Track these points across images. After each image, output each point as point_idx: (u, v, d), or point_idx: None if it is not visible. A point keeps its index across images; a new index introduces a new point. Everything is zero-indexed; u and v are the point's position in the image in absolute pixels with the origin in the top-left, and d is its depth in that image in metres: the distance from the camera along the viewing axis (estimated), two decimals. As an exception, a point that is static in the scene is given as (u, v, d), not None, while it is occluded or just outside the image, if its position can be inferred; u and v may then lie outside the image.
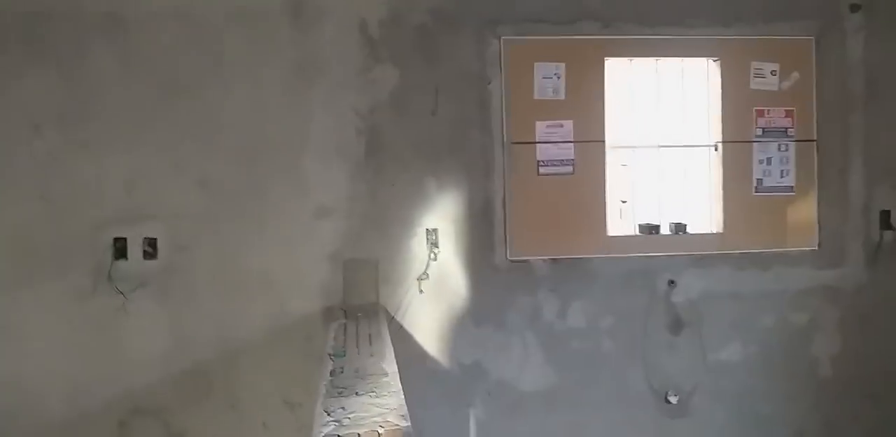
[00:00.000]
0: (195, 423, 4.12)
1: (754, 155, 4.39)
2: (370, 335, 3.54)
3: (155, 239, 4.05)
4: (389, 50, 4.16)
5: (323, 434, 2.15)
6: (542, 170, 4.26)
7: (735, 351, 4.45)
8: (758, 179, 4.39)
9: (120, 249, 4.02)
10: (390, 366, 2.94)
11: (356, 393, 2.56)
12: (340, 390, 2.62)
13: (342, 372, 2.87)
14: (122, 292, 4.02)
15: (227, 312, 4.09)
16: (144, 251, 4.05)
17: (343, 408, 2.39)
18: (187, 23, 4.02)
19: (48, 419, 4.00)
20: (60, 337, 4.00)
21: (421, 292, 4.21)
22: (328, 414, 2.34)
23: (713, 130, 4.42)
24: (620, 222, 4.45)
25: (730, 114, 4.38)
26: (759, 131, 4.39)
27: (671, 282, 4.38)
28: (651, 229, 4.39)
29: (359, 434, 2.14)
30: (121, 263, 4.02)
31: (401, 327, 4.19)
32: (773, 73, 4.40)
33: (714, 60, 4.40)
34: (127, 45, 3.98)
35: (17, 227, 3.95)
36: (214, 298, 4.09)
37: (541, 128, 4.25)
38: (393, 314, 4.18)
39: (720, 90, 4.38)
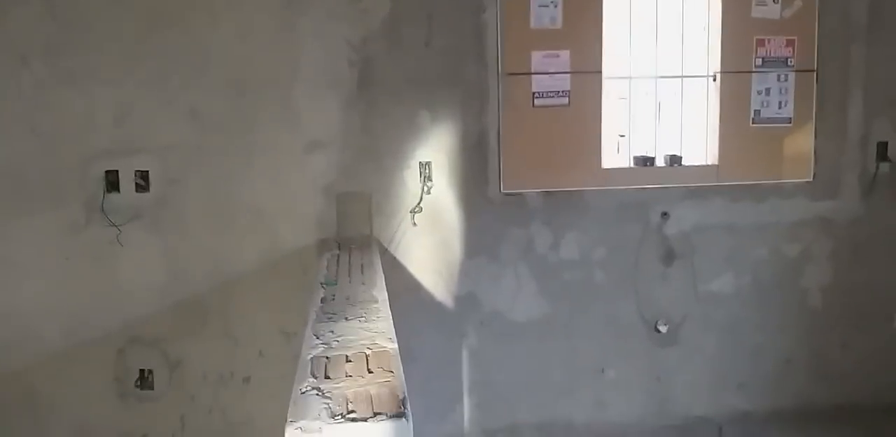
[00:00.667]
0: (192, 351, 4.19)
1: (753, 85, 4.32)
2: (362, 265, 3.57)
3: (147, 172, 4.03)
4: (381, -23, 4.06)
5: (311, 356, 2.18)
6: (537, 102, 4.20)
7: (727, 282, 4.48)
8: (755, 111, 4.33)
9: (112, 181, 4.01)
10: (381, 293, 2.98)
11: (345, 318, 2.60)
12: (330, 315, 2.66)
13: (333, 299, 2.91)
14: (115, 225, 4.03)
15: (222, 244, 4.11)
16: (136, 184, 4.03)
17: (332, 332, 2.43)
18: (172, -51, 3.91)
19: (46, 350, 4.06)
20: (55, 269, 4.03)
21: (414, 224, 4.22)
22: (317, 337, 2.38)
23: (712, 60, 4.34)
24: (618, 157, 4.42)
25: (729, 43, 4.29)
26: (759, 61, 4.31)
27: (664, 214, 4.38)
28: (646, 161, 4.37)
29: (347, 356, 2.17)
30: (113, 195, 4.01)
31: (394, 258, 4.21)
32: (775, 1, 4.30)
33: (714, -13, 4.30)
34: (111, -28, 3.88)
35: (7, 159, 3.93)
36: (208, 230, 4.10)
37: (537, 58, 4.17)
38: (386, 246, 4.20)
39: (720, 19, 4.28)
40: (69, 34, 3.88)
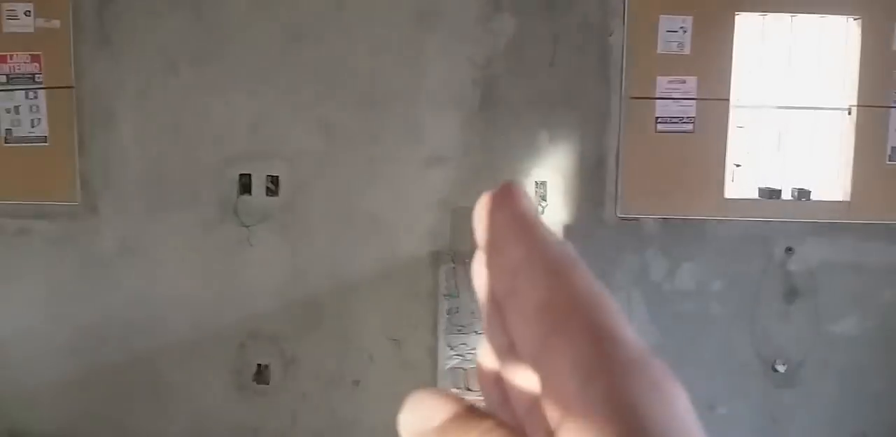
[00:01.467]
0: (307, 349, 4.37)
1: (891, 121, 4.14)
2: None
3: (277, 177, 4.27)
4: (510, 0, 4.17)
5: (449, 366, 2.28)
6: (660, 127, 4.18)
7: (851, 324, 4.27)
8: (892, 147, 4.14)
9: (245, 184, 4.27)
10: None
11: (475, 332, 2.68)
12: (460, 327, 2.75)
13: (458, 312, 3.00)
14: (245, 225, 4.29)
15: (341, 249, 4.29)
16: (267, 188, 4.28)
17: (465, 344, 2.52)
18: (315, -31, 4.17)
19: (173, 339, 4.34)
20: (189, 263, 4.32)
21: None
22: (451, 348, 2.47)
23: (847, 92, 4.19)
24: (731, 185, 4.32)
25: (867, 77, 4.13)
26: (898, 96, 4.13)
27: (789, 249, 4.23)
28: (771, 194, 4.24)
29: None
30: (245, 197, 4.28)
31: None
32: (920, 33, 4.12)
33: (854, 19, 4.15)
34: (258, -10, 4.18)
35: (152, 159, 4.27)
36: (329, 235, 4.29)
37: (662, 83, 4.16)
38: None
39: (858, 51, 4.13)
40: (215, 43, 4.19)
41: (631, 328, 0.34)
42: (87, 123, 4.23)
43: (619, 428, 0.30)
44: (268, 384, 4.42)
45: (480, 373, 0.38)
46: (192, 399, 4.40)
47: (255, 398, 4.42)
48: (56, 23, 4.16)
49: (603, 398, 0.31)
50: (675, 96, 4.16)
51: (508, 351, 0.36)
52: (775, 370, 4.30)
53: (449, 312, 3.01)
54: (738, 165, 4.36)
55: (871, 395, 4.28)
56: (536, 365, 0.34)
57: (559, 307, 0.33)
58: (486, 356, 0.38)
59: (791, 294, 4.27)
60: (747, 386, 4.33)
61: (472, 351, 2.41)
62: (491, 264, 0.37)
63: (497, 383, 0.38)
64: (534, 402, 0.34)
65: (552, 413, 0.32)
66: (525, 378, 0.35)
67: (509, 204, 0.37)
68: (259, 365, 4.41)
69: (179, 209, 4.28)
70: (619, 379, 0.32)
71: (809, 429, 4.32)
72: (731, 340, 4.30)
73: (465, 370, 2.23)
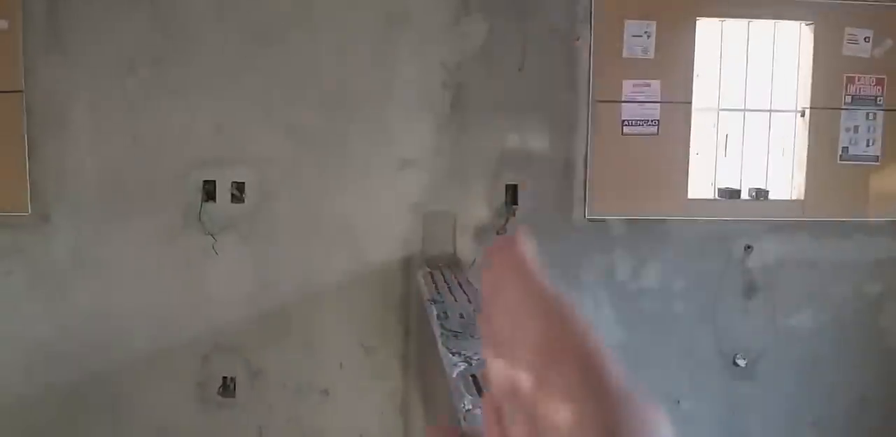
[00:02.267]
0: (274, 361, 4.26)
1: (842, 123, 4.34)
2: (459, 283, 3.64)
3: (243, 183, 4.15)
4: (480, 3, 4.16)
5: (458, 372, 2.25)
6: (626, 130, 4.26)
7: (806, 318, 4.46)
8: (843, 148, 4.35)
9: (209, 191, 4.13)
10: None
11: (471, 336, 2.66)
12: (455, 333, 2.71)
13: (447, 316, 2.97)
14: (210, 233, 4.14)
15: (309, 256, 4.20)
16: (232, 194, 4.15)
17: (465, 349, 2.49)
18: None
19: (134, 352, 4.16)
20: (149, 274, 4.14)
21: (498, 245, 4.26)
22: (452, 354, 2.43)
23: (801, 95, 4.37)
24: (692, 185, 4.44)
25: (819, 80, 4.32)
26: (848, 99, 4.33)
27: (748, 247, 4.38)
28: (731, 194, 4.39)
29: None
30: (209, 204, 4.13)
31: (476, 279, 4.26)
32: (866, 39, 4.33)
33: (807, 24, 4.33)
34: (222, -10, 4.05)
35: (110, 164, 4.07)
36: (297, 242, 4.19)
37: (628, 87, 4.24)
38: (469, 266, 4.25)
39: (811, 55, 4.32)
40: (175, 45, 4.03)
41: (615, 364, 0.39)
42: (37, 128, 4.00)
43: None
44: (234, 397, 4.29)
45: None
46: (154, 416, 4.23)
47: (221, 411, 4.28)
48: (4, 23, 3.92)
49: (592, 424, 0.36)
50: (640, 99, 4.24)
51: (510, 390, 0.41)
52: (735, 364, 4.44)
53: (439, 317, 2.98)
54: (696, 154, 4.45)
55: (826, 386, 4.48)
56: (534, 396, 0.39)
57: (553, 346, 0.39)
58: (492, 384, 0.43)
59: (750, 290, 4.42)
60: (709, 380, 4.46)
61: (475, 357, 2.41)
62: (493, 305, 0.43)
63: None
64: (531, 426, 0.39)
65: None
66: (523, 408, 0.40)
67: (513, 251, 0.44)
68: (224, 378, 4.28)
69: (139, 217, 4.11)
70: (607, 408, 0.37)
71: (768, 419, 4.49)
72: (693, 336, 4.42)
73: (473, 376, 2.22)
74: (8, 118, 3.98)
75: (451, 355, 2.46)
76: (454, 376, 2.27)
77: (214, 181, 4.13)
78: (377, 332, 4.23)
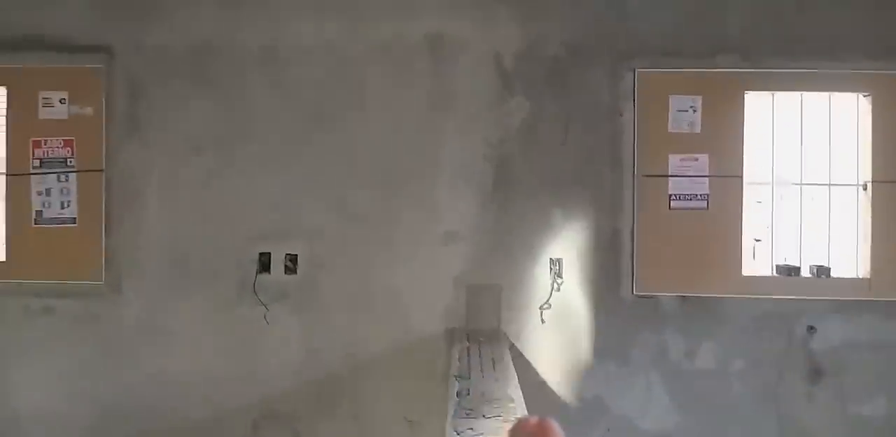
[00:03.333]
0: (321, 431, 4.33)
1: (906, 196, 4.10)
2: (493, 360, 3.62)
3: (296, 255, 4.34)
4: (522, 82, 4.27)
5: None
6: (673, 204, 4.19)
7: (879, 406, 4.13)
8: (906, 222, 4.10)
9: (264, 263, 4.34)
10: (516, 392, 3.00)
11: (483, 415, 2.65)
12: (468, 411, 2.71)
13: (468, 394, 2.96)
14: (264, 304, 4.33)
15: (357, 328, 4.30)
16: (286, 266, 4.35)
17: (471, 429, 2.48)
18: (334, 56, 4.33)
19: (189, 416, 4.34)
20: (206, 342, 4.35)
21: (543, 321, 4.24)
22: (458, 433, 2.43)
23: (862, 168, 4.18)
24: (753, 262, 4.28)
25: (880, 152, 4.13)
26: (912, 171, 4.11)
27: (811, 328, 4.15)
28: (790, 271, 4.19)
29: None
30: (264, 276, 4.34)
31: (520, 354, 4.23)
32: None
33: (865, 96, 4.18)
34: (279, 76, 4.34)
35: (174, 238, 4.37)
36: (345, 314, 4.31)
37: (674, 161, 4.20)
38: (513, 341, 4.23)
39: (870, 127, 4.14)
40: (238, 128, 4.34)
41: None
42: (114, 204, 4.37)
43: None
44: (283, 464, 4.37)
45: None
46: (206, 480, 4.36)
47: (271, 479, 4.37)
48: (89, 110, 4.36)
49: None
50: (687, 174, 4.18)
51: None
52: (803, 455, 4.14)
53: (459, 394, 2.97)
54: (757, 240, 4.33)
55: (905, 481, 4.10)
56: None
57: None
58: None
59: (815, 374, 4.16)
60: (774, 472, 4.18)
61: (480, 436, 2.38)
62: None
63: None
64: None
65: None
66: None
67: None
68: (274, 445, 4.38)
69: (199, 288, 4.35)
70: None
71: (842, 518, 4.13)
72: (754, 422, 4.17)
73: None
74: (90, 195, 4.36)
75: (455, 433, 2.44)
76: None
77: (270, 253, 4.34)
78: (421, 405, 4.24)
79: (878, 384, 4.13)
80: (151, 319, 4.36)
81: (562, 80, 4.25)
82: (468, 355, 3.73)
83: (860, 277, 4.17)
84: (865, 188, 4.16)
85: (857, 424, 4.13)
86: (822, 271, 4.17)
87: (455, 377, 3.24)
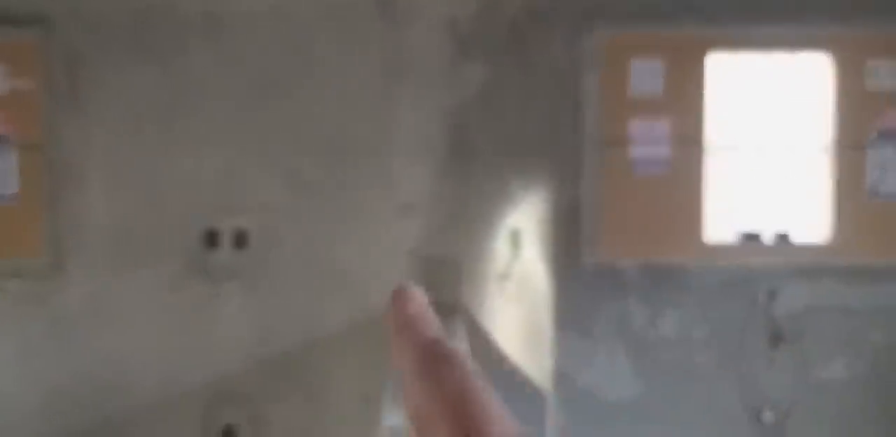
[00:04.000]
0: (276, 410, 4.24)
1: (868, 158, 4.05)
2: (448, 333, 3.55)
3: (246, 230, 4.20)
4: (479, 48, 4.12)
5: (389, 424, 2.20)
6: (635, 170, 4.10)
7: (839, 369, 4.14)
8: (872, 185, 4.05)
9: (212, 239, 4.19)
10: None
11: None
12: None
13: None
14: (213, 281, 4.20)
15: (311, 304, 4.19)
16: (235, 242, 4.20)
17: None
18: (280, 22, 4.13)
19: (141, 398, 4.22)
20: (155, 321, 4.22)
21: (502, 293, 4.16)
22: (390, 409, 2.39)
23: (824, 131, 4.11)
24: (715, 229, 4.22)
25: (844, 115, 4.06)
26: (876, 134, 4.05)
27: (772, 293, 4.12)
28: (752, 237, 4.15)
29: None
30: (212, 252, 4.19)
31: (479, 328, 4.15)
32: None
33: (827, 55, 4.09)
34: (222, 43, 4.14)
35: (118, 214, 4.19)
36: (299, 290, 4.19)
37: (635, 127, 4.09)
38: (472, 313, 4.15)
39: (833, 89, 4.06)
40: (180, 97, 4.14)
41: (499, 418, 0.36)
42: (55, 180, 4.17)
43: None
44: (239, 444, 4.29)
45: None
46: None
47: (228, 459, 4.29)
48: (27, 83, 4.13)
49: None
50: (649, 140, 4.08)
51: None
52: (761, 421, 4.15)
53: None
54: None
55: (864, 443, 4.14)
56: None
57: (431, 412, 0.37)
58: None
59: (776, 339, 4.14)
60: None
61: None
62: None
63: None
64: None
65: None
66: None
67: (396, 308, 0.42)
68: (227, 425, 4.29)
69: (147, 266, 4.20)
70: None
71: (802, 480, 4.16)
72: (716, 389, 4.17)
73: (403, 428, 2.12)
74: (30, 172, 4.16)
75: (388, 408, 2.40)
76: (385, 426, 2.21)
77: (217, 229, 4.19)
78: (379, 381, 4.16)
79: (839, 347, 4.13)
80: (98, 298, 4.20)
81: (520, 45, 4.10)
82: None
83: (821, 243, 4.13)
84: (827, 151, 4.10)
85: (817, 387, 4.13)
86: (783, 237, 4.13)
87: None
